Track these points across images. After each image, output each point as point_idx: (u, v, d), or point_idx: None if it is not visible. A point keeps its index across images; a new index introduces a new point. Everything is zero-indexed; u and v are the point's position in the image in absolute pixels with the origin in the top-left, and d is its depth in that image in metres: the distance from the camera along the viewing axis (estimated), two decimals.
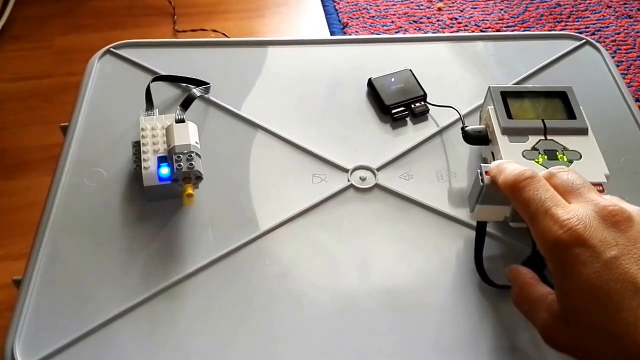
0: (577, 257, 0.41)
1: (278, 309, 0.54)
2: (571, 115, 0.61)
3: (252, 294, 0.55)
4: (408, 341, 0.52)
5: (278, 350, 0.51)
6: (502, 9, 1.73)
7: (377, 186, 0.63)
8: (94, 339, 0.51)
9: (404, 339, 0.52)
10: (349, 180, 0.64)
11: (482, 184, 0.52)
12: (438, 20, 1.69)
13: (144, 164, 0.59)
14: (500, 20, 1.70)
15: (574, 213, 0.43)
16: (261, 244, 0.58)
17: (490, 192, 0.52)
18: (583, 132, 0.60)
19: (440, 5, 1.73)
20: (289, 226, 0.60)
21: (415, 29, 1.66)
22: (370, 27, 1.66)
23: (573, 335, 0.42)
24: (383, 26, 1.67)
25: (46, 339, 0.51)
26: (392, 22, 1.68)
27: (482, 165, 0.53)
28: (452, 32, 1.65)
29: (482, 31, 1.66)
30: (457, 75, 0.76)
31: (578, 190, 0.46)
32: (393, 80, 0.72)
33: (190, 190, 0.57)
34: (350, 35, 1.62)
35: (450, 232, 0.60)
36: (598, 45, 0.79)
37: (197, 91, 0.69)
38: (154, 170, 0.59)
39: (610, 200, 0.44)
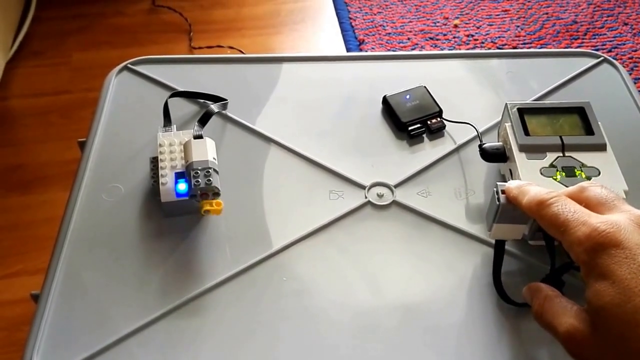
0: (612, 257, 0.41)
1: (295, 325, 0.54)
2: (589, 130, 0.60)
3: (269, 310, 0.55)
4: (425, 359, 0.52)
5: None
6: (518, 26, 1.73)
7: (395, 203, 0.63)
8: (111, 354, 0.51)
9: (422, 357, 0.52)
10: (366, 197, 0.63)
11: (497, 202, 0.52)
12: (454, 37, 1.69)
13: (161, 180, 0.59)
14: (516, 36, 1.69)
15: (607, 219, 0.43)
16: (278, 260, 0.58)
17: (506, 210, 0.52)
18: (601, 147, 0.59)
19: (457, 21, 1.73)
20: (306, 242, 0.60)
21: (432, 46, 1.66)
22: (387, 44, 1.67)
23: (599, 338, 0.42)
24: (399, 43, 1.67)
25: (64, 352, 0.51)
26: (408, 38, 1.68)
27: (498, 183, 0.53)
28: (468, 49, 1.65)
29: (498, 48, 1.65)
30: (473, 93, 0.76)
31: (612, 202, 0.46)
32: (408, 97, 0.72)
33: (208, 207, 0.57)
34: (367, 51, 1.63)
35: (469, 249, 0.60)
36: (616, 62, 0.79)
37: (214, 107, 0.69)
38: (171, 185, 0.59)
39: None
